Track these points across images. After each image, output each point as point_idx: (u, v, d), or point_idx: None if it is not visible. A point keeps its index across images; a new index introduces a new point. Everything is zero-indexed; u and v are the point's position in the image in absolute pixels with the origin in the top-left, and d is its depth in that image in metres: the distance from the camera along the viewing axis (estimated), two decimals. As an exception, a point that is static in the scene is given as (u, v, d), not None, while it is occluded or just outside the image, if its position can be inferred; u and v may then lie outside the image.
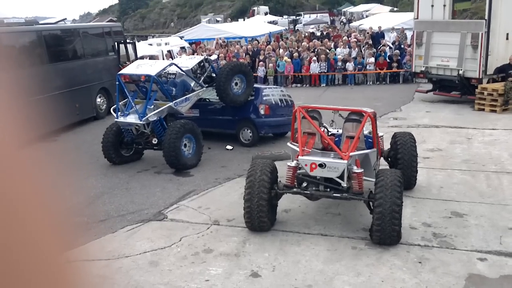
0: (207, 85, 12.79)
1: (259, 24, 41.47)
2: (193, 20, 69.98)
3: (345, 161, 7.42)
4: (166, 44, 26.85)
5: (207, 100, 13.50)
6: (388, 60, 22.34)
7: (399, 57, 22.28)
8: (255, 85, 13.83)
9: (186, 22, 74.05)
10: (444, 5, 17.98)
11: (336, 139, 8.46)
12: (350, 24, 47.73)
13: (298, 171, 7.83)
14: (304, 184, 7.92)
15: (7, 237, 0.55)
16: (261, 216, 7.58)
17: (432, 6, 18.08)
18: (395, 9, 53.53)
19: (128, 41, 21.01)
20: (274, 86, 17.01)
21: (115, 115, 11.61)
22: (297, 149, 7.87)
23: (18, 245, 0.57)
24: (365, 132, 8.65)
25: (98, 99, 17.41)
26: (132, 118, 11.36)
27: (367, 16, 48.75)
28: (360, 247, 7.17)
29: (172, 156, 10.84)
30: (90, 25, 26.21)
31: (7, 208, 0.56)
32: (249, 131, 13.09)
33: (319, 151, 8.20)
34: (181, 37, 31.31)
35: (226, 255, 7.11)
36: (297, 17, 61.62)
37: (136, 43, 22.90)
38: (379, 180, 7.17)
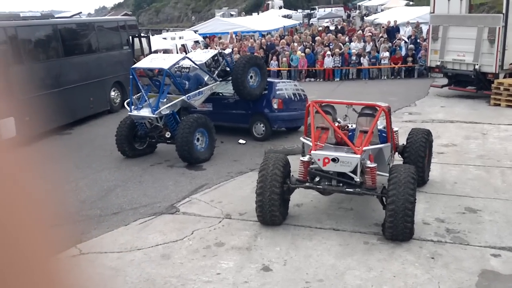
0: (221, 79, 12.80)
1: (273, 18, 41.35)
2: (207, 14, 69.99)
3: (358, 156, 7.41)
4: (180, 38, 26.88)
5: (221, 94, 13.51)
6: (403, 55, 22.18)
7: (414, 52, 22.09)
8: (269, 79, 13.81)
9: (200, 16, 74.07)
10: (461, -1, 17.78)
11: (349, 133, 8.42)
12: (364, 18, 47.36)
13: (311, 166, 7.81)
14: (317, 179, 7.88)
15: None
16: (272, 210, 7.59)
17: (449, 0, 17.87)
18: (411, 3, 53.00)
19: (142, 35, 21.07)
20: (288, 80, 16.96)
21: (128, 108, 11.67)
22: (310, 143, 7.87)
23: (4, 250, 0.56)
24: (380, 127, 8.57)
25: (112, 93, 17.50)
26: (145, 112, 11.40)
27: (382, 10, 48.31)
28: (372, 242, 7.14)
29: (185, 150, 10.87)
30: (105, 19, 26.32)
31: None
32: (262, 125, 13.07)
33: (333, 145, 8.14)
34: (195, 31, 31.32)
35: (237, 248, 7.12)
36: (312, 11, 61.34)
37: (151, 37, 22.96)
38: (392, 176, 7.12)
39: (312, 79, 22.81)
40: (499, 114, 14.72)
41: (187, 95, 11.65)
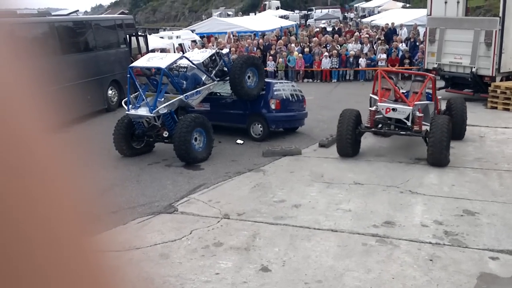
0: (218, 79, 12.78)
1: (270, 19, 41.32)
2: (204, 14, 69.91)
3: (411, 107, 10.60)
4: (177, 37, 26.85)
5: (218, 94, 13.49)
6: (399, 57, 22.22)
7: (410, 54, 22.13)
8: (267, 80, 13.80)
9: (197, 15, 74.01)
10: (458, 2, 17.83)
11: (405, 94, 11.36)
12: (362, 20, 47.44)
13: (376, 116, 10.95)
14: (379, 126, 11.10)
15: (31, 221, 0.55)
16: (348, 140, 10.75)
17: (446, 2, 17.93)
18: (408, 5, 53.13)
19: (139, 34, 21.05)
20: (286, 81, 16.93)
21: (126, 107, 11.64)
22: (377, 98, 11.00)
23: (42, 229, 0.56)
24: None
25: (110, 91, 17.47)
26: (143, 111, 11.39)
27: (379, 12, 48.40)
28: (371, 244, 7.14)
29: (183, 149, 10.85)
30: (102, 17, 26.26)
31: (30, 191, 0.56)
32: (259, 125, 13.06)
33: (392, 101, 11.20)
34: (193, 31, 31.28)
35: (236, 249, 7.10)
36: (309, 12, 61.41)
37: (148, 36, 22.93)
38: (433, 121, 10.19)
39: (310, 80, 22.83)
40: (496, 117, 14.77)
41: (184, 95, 11.63)
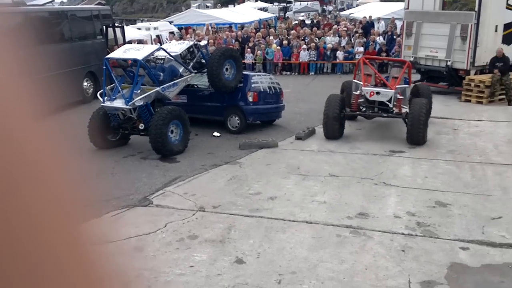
0: (196, 71, 12.71)
1: (249, 11, 41.18)
2: (183, 5, 69.30)
3: (393, 90, 11.55)
4: (155, 28, 26.62)
5: (195, 86, 13.42)
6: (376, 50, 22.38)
7: (387, 47, 22.29)
8: (245, 72, 13.78)
9: (175, 7, 73.35)
10: (435, -4, 17.99)
11: (385, 78, 12.37)
12: (340, 13, 47.59)
13: (359, 100, 11.79)
14: (363, 109, 12.02)
15: (20, 210, 0.55)
16: (334, 124, 11.52)
17: (423, -4, 18.08)
18: (386, -2, 53.32)
19: (116, 25, 20.81)
20: (263, 74, 16.92)
21: (101, 99, 11.51)
22: (360, 83, 11.84)
23: (31, 218, 0.56)
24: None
25: (85, 83, 17.24)
26: (118, 103, 11.27)
27: (357, 5, 48.57)
28: (345, 235, 7.21)
29: (159, 142, 10.78)
30: (79, 7, 25.83)
31: (21, 180, 0.56)
32: (237, 118, 13.04)
33: (373, 86, 12.05)
34: (170, 22, 31.01)
35: (211, 241, 7.11)
36: (288, 5, 61.37)
37: (125, 27, 22.67)
38: (412, 103, 11.27)
39: (288, 73, 22.86)
40: (470, 110, 15.00)
41: (161, 87, 11.55)
